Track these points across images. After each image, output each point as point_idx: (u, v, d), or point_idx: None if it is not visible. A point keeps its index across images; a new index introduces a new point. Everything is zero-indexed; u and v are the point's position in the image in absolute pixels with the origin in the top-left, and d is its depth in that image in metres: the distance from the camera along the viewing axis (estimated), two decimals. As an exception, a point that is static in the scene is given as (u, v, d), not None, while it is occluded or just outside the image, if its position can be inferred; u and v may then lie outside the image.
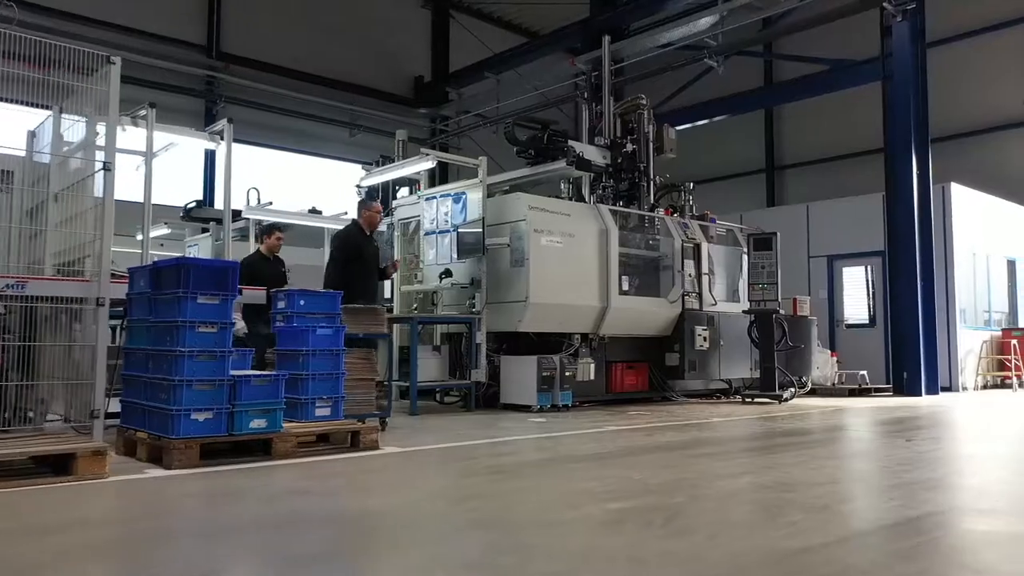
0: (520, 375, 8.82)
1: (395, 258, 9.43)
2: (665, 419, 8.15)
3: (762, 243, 10.67)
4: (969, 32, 17.28)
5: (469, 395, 8.91)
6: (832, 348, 14.96)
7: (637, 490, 4.06)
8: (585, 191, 10.34)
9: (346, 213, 11.53)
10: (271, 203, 10.58)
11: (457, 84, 20.39)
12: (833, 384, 12.83)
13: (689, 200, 11.66)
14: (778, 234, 10.71)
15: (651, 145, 10.92)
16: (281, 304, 6.02)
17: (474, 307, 9.00)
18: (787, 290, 13.56)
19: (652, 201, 10.89)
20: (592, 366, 9.49)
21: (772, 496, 3.94)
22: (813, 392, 12.35)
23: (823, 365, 13.04)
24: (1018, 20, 16.87)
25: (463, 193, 9.17)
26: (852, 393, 12.16)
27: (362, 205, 8.08)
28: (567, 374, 8.86)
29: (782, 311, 10.82)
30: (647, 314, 10.08)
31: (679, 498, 3.82)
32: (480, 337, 8.85)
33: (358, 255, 7.61)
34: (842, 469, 5.06)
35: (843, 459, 5.61)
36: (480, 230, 8.83)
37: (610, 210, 9.87)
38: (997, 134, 17.14)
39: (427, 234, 9.58)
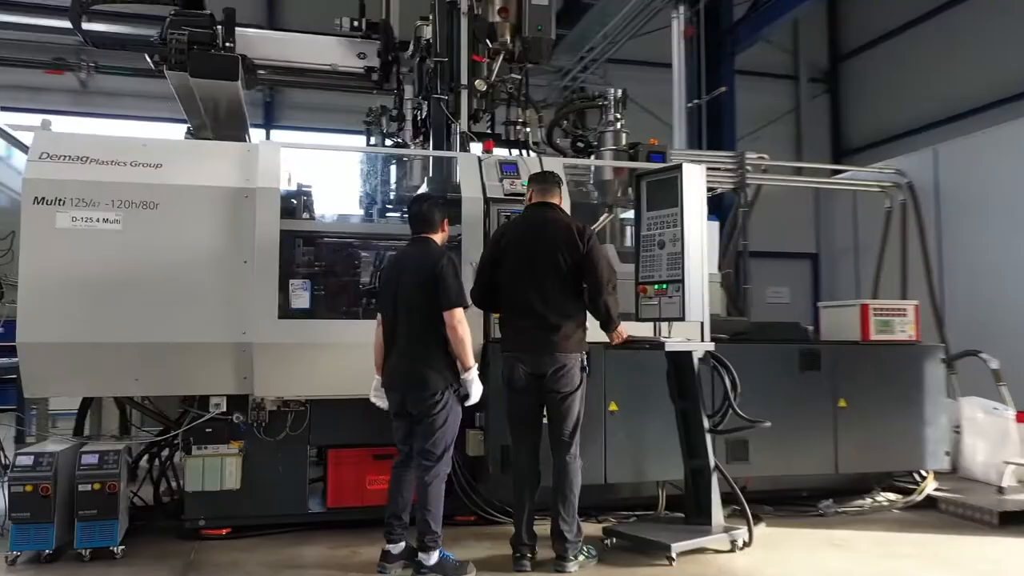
0: None
1: None
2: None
3: (660, 189, 4.74)
4: None
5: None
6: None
7: None
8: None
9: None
10: None
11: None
12: (1001, 489, 5.89)
13: (615, 118, 6.04)
14: (686, 168, 4.64)
15: (468, 22, 5.59)
16: None
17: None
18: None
19: (468, 130, 5.58)
20: (229, 461, 4.79)
21: None
22: (930, 505, 5.72)
23: (994, 442, 6.14)
24: None
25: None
26: None
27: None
28: (90, 487, 4.34)
29: (708, 342, 4.75)
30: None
31: None
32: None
33: None
34: None
35: None
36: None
37: (265, 147, 4.96)
38: None
39: None
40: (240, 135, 5.93)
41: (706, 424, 4.71)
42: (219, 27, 5.18)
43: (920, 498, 5.73)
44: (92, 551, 4.39)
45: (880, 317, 5.67)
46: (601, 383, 5.18)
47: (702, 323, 4.65)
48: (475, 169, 5.18)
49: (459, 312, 4.14)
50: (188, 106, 5.48)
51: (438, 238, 4.39)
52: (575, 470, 4.31)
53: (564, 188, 4.76)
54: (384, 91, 5.85)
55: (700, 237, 4.62)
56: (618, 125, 6.10)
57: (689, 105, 10.50)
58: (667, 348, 4.48)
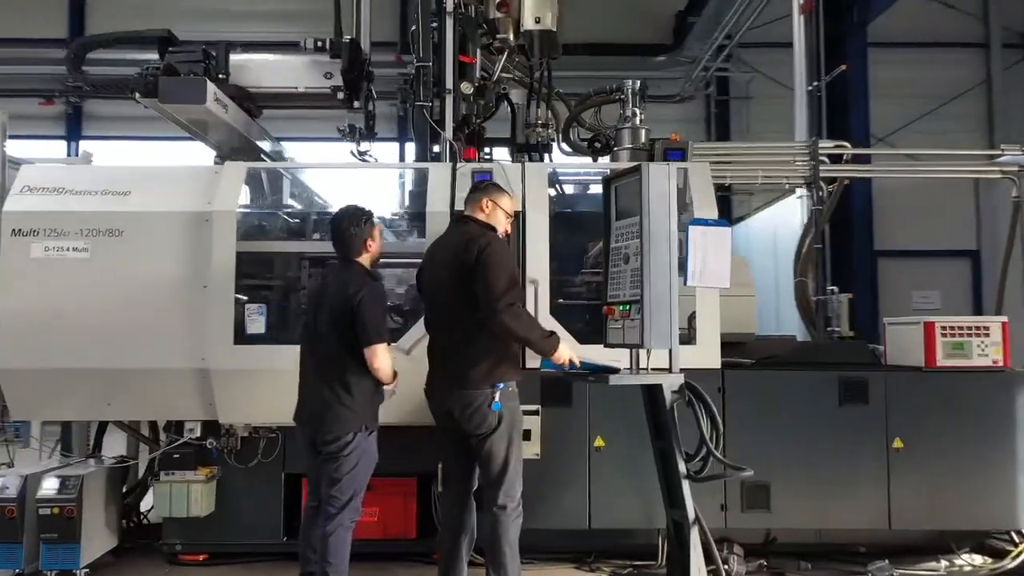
0: None
1: None
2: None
3: (628, 194, 4.03)
4: None
5: None
6: None
7: None
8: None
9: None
10: None
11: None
12: None
13: (633, 112, 5.39)
14: (646, 169, 3.90)
15: (453, 22, 5.15)
16: None
17: None
18: None
19: (455, 138, 5.12)
20: (195, 488, 4.73)
21: None
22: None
23: None
24: None
25: None
26: None
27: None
28: (50, 511, 4.45)
29: (677, 373, 3.94)
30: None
31: None
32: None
33: None
34: None
35: None
36: None
37: (230, 168, 4.85)
38: None
39: None
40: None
41: (682, 469, 3.98)
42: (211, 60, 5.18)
43: (1012, 565, 4.55)
44: (58, 573, 4.50)
45: (950, 338, 4.55)
46: (585, 415, 4.60)
47: (670, 350, 3.92)
48: (447, 180, 4.78)
49: (379, 349, 3.80)
50: (197, 135, 5.54)
51: (365, 259, 4.06)
52: (505, 523, 3.76)
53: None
54: (355, 110, 5.56)
55: (668, 249, 3.90)
56: (636, 121, 5.40)
57: (809, 88, 9.32)
58: (611, 382, 3.82)
